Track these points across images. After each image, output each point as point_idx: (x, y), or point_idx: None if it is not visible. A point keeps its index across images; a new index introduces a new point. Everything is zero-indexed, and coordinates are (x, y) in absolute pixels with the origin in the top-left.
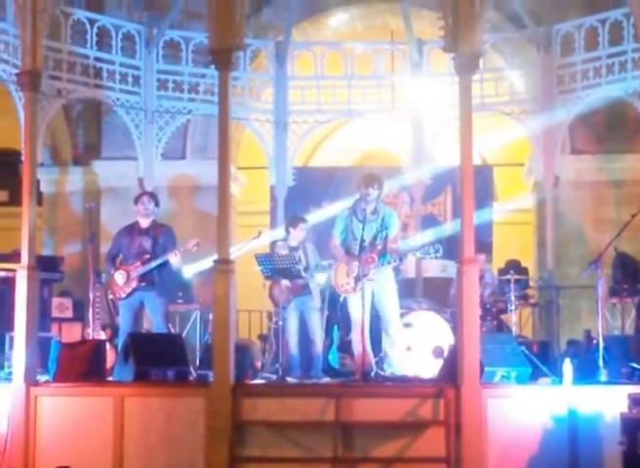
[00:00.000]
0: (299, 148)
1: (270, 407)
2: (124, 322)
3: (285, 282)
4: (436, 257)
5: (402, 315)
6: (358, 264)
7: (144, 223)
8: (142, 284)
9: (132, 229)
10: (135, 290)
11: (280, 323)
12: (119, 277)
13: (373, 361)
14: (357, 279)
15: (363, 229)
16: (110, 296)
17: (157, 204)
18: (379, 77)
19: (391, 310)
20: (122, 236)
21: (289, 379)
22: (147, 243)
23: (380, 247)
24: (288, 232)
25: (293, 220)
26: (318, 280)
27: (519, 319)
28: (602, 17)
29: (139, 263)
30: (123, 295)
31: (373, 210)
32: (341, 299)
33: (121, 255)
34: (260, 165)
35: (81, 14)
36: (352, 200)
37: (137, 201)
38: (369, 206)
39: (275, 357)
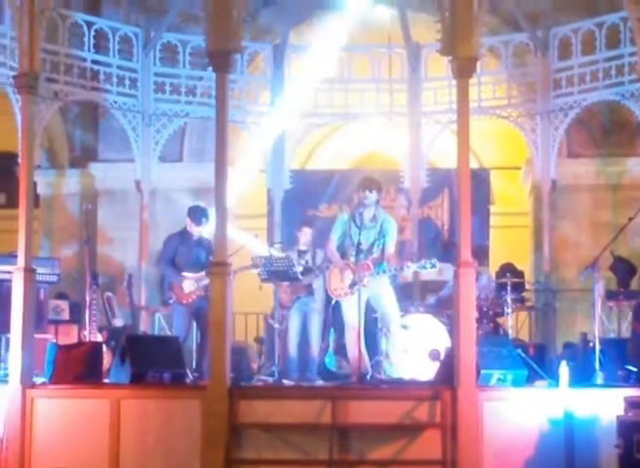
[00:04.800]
0: (296, 151)
1: (266, 409)
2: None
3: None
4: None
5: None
6: (351, 272)
7: (197, 234)
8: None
9: (186, 238)
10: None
11: (276, 325)
12: (188, 284)
13: (369, 363)
14: (351, 285)
15: (360, 234)
16: (107, 295)
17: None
18: (376, 81)
19: (391, 311)
20: (176, 242)
21: (285, 382)
22: (202, 255)
23: (376, 255)
24: (297, 237)
25: (299, 224)
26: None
27: (515, 322)
28: (599, 20)
29: (204, 273)
30: (188, 302)
31: (372, 217)
32: (333, 302)
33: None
34: (258, 167)
35: (78, 16)
36: (350, 203)
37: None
38: (367, 211)
39: (272, 359)
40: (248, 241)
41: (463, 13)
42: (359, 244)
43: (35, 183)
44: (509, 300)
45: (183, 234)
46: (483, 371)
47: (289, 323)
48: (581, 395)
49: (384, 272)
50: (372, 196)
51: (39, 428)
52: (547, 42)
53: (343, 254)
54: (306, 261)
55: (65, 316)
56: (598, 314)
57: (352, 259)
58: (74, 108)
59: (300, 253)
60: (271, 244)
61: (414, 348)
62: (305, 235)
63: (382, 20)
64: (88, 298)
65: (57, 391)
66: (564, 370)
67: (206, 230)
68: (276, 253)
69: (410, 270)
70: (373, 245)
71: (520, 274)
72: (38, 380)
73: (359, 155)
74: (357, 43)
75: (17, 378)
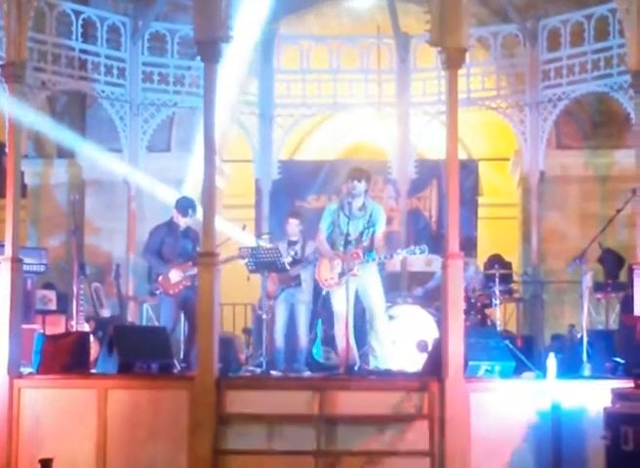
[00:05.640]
0: (284, 141)
1: (254, 400)
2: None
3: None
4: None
5: (387, 308)
6: (341, 261)
7: (183, 225)
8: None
9: (172, 229)
10: (183, 288)
11: (264, 316)
12: (175, 275)
13: (357, 355)
14: (341, 274)
15: (348, 224)
16: (95, 285)
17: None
18: (365, 71)
19: (376, 304)
20: (162, 233)
21: (273, 373)
22: (189, 246)
23: (366, 243)
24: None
25: (285, 215)
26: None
27: (503, 313)
28: (588, 12)
29: (190, 264)
30: (174, 292)
31: (360, 205)
32: (324, 293)
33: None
34: (246, 158)
35: (66, 5)
36: (338, 194)
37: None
38: (355, 200)
39: (260, 350)
40: (234, 233)
41: (452, 3)
42: (347, 235)
43: (22, 173)
44: (497, 292)
45: (170, 225)
46: (471, 363)
47: (275, 314)
48: (569, 387)
49: (374, 260)
50: (360, 186)
51: (26, 418)
52: (536, 33)
53: (333, 245)
54: (295, 252)
55: (53, 306)
56: (586, 306)
57: (341, 249)
58: (62, 98)
59: (291, 244)
60: (259, 235)
61: (401, 339)
62: (291, 226)
63: (371, 11)
64: (75, 289)
65: (44, 381)
66: (552, 361)
67: (192, 221)
68: (264, 243)
69: (399, 257)
70: (362, 234)
71: (508, 265)
72: (25, 370)
73: (347, 146)
74: (346, 33)
75: (4, 368)
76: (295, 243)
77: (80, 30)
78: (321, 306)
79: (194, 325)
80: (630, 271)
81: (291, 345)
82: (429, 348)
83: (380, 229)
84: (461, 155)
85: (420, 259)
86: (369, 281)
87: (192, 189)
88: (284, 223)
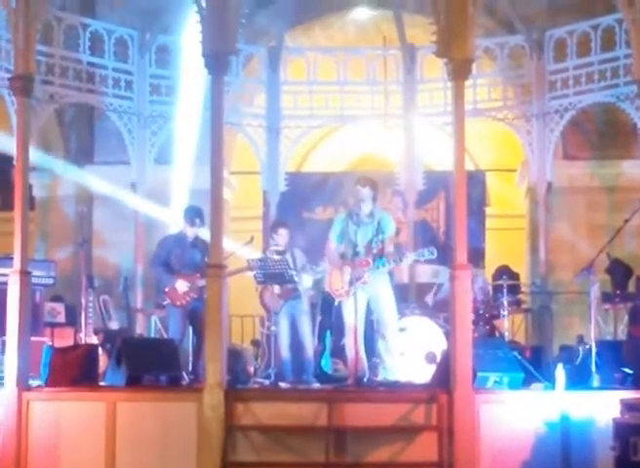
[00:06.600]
0: (291, 153)
1: (263, 411)
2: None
3: (275, 287)
4: (431, 260)
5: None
6: (351, 270)
7: (191, 235)
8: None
9: (181, 240)
10: (191, 300)
11: (272, 328)
12: (182, 285)
13: (366, 366)
14: (351, 283)
15: (357, 233)
16: (103, 297)
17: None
18: (371, 83)
19: (388, 315)
20: (170, 244)
21: (281, 384)
22: (197, 256)
23: (375, 251)
24: (272, 238)
25: (273, 226)
26: (305, 283)
27: (512, 324)
28: (594, 22)
29: (198, 275)
30: (182, 303)
31: (368, 213)
32: (336, 304)
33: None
34: (253, 170)
35: (74, 18)
36: (345, 206)
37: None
38: (363, 206)
39: (268, 362)
40: (237, 247)
41: (459, 14)
42: (356, 245)
43: (31, 186)
44: (505, 303)
45: (179, 235)
46: (479, 374)
47: (278, 327)
48: (578, 397)
49: (384, 265)
50: (364, 191)
51: (35, 431)
52: (543, 44)
53: (343, 255)
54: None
55: (61, 319)
56: (594, 316)
57: (351, 258)
58: (70, 111)
59: (279, 254)
60: (266, 247)
61: (410, 351)
62: (282, 236)
63: (377, 22)
64: (84, 301)
65: (52, 394)
66: (560, 372)
67: (202, 231)
68: (272, 255)
69: (409, 260)
70: (371, 241)
71: (516, 276)
72: (34, 383)
73: (354, 157)
74: (352, 45)
75: (12, 381)
76: (283, 252)
77: (88, 43)
78: (334, 317)
79: (202, 336)
80: (638, 282)
81: (298, 357)
82: (438, 359)
83: (389, 235)
84: (469, 166)
85: (427, 271)
86: (381, 291)
87: (181, 202)
88: (272, 233)
